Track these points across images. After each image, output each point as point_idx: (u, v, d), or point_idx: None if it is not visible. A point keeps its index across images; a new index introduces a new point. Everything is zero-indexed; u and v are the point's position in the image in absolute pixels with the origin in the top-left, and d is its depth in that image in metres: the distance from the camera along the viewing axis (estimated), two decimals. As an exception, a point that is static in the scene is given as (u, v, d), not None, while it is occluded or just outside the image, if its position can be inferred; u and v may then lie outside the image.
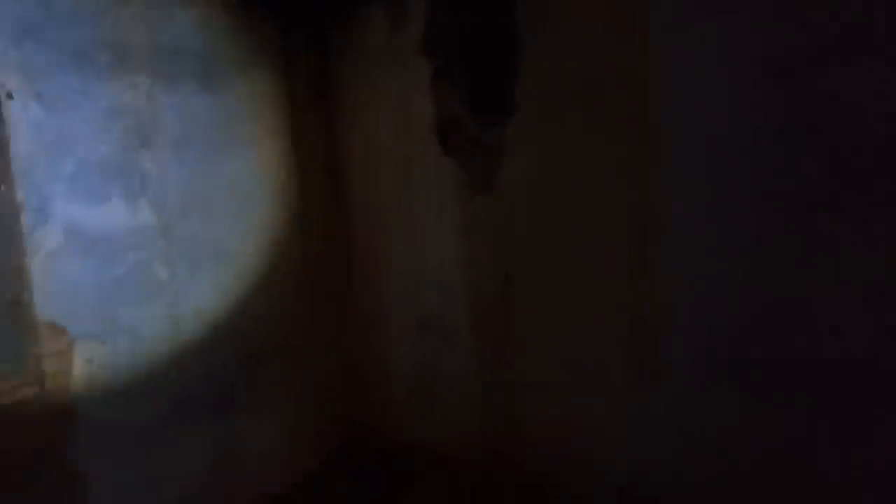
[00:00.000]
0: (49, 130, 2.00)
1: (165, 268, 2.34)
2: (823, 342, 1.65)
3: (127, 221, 2.22)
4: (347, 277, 3.07)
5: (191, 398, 2.41)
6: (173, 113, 2.36)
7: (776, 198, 1.70)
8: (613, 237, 2.02)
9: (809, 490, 1.71)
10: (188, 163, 2.42)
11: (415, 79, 2.59)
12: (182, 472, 2.37)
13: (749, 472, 1.81)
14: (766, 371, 1.76)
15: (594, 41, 1.99)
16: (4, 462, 1.87)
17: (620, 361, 2.05)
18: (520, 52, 2.20)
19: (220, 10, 2.55)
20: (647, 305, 1.95)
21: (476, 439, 2.54)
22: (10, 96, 1.91)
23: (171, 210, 2.35)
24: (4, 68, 1.89)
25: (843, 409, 1.64)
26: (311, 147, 2.97)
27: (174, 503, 2.34)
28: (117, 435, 2.16)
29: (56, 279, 2.01)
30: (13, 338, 1.96)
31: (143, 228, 2.27)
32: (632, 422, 2.05)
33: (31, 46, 1.95)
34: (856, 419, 1.62)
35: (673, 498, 1.97)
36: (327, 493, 2.77)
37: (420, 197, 2.65)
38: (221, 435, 2.53)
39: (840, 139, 1.59)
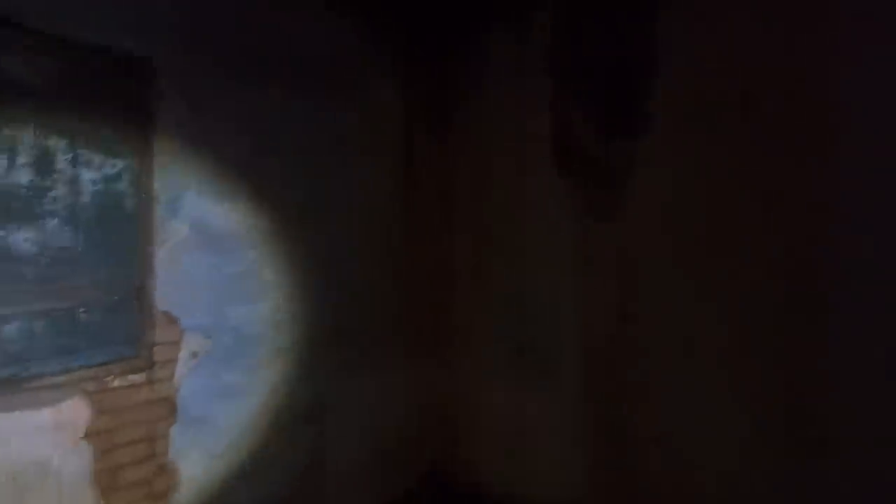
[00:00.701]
0: (190, 129, 2.13)
1: (274, 270, 2.37)
2: None
3: (246, 221, 2.29)
4: (447, 300, 2.96)
5: (286, 400, 2.38)
6: (299, 121, 2.45)
7: None
8: (768, 274, 1.72)
9: None
10: (306, 170, 2.48)
11: (534, 97, 2.50)
12: (275, 475, 2.32)
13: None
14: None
15: (751, 46, 1.77)
16: (110, 444, 1.91)
17: (771, 422, 1.70)
18: (657, 65, 2.03)
19: (349, 25, 2.66)
20: (812, 358, 1.61)
21: (579, 497, 2.25)
22: (160, 96, 2.06)
23: (285, 215, 2.40)
24: (159, 70, 2.05)
25: None
26: (423, 163, 2.96)
27: (255, 512, 2.28)
28: (212, 432, 2.15)
29: (177, 271, 2.09)
30: (135, 323, 2.04)
31: (259, 230, 2.32)
32: (779, 494, 1.68)
33: (183, 52, 2.11)
34: None
35: None
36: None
37: (532, 220, 2.50)
38: (315, 443, 2.46)
39: None
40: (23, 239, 1.79)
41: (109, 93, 1.99)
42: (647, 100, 2.06)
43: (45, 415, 1.78)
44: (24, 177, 1.78)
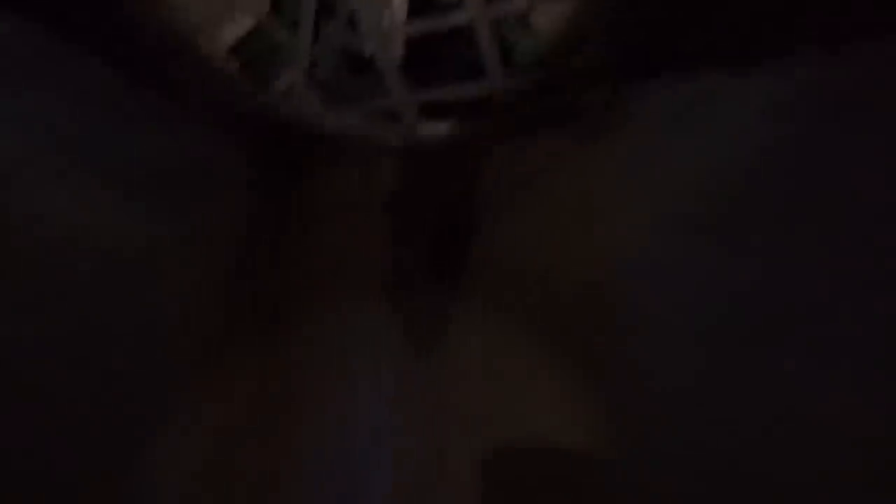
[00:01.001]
0: None
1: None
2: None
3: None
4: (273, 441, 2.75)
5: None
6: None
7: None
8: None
9: None
10: (117, 276, 2.22)
11: (374, 231, 2.62)
12: None
13: None
14: None
15: (550, 240, 2.09)
16: None
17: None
18: (474, 232, 2.28)
19: (198, 138, 2.59)
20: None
21: None
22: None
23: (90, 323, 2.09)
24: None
25: None
26: (252, 283, 2.85)
27: None
28: None
29: None
30: None
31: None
32: None
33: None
34: None
35: None
36: None
37: (356, 357, 2.53)
38: None
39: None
40: None
41: None
42: (464, 260, 2.29)
43: None
44: None
